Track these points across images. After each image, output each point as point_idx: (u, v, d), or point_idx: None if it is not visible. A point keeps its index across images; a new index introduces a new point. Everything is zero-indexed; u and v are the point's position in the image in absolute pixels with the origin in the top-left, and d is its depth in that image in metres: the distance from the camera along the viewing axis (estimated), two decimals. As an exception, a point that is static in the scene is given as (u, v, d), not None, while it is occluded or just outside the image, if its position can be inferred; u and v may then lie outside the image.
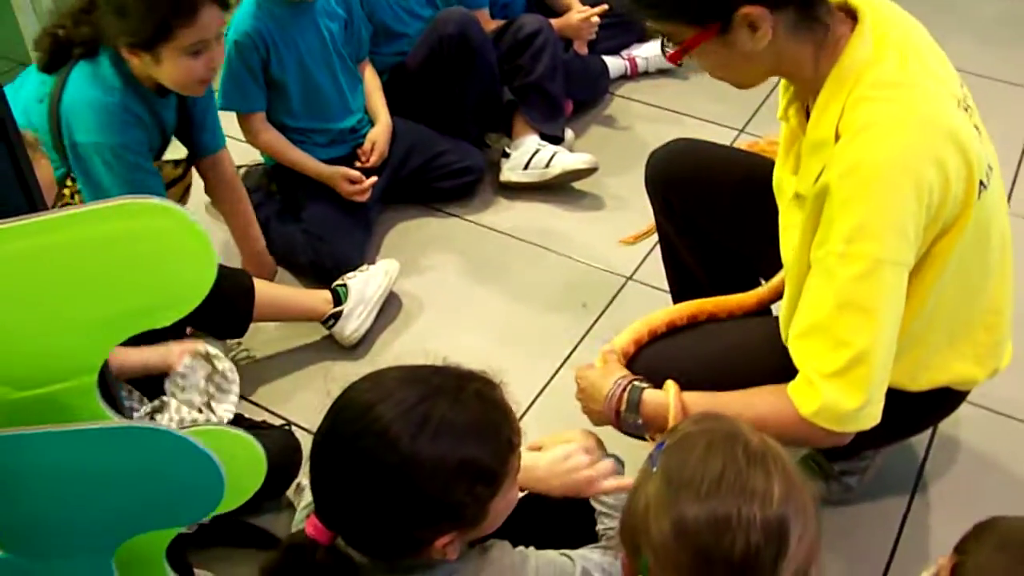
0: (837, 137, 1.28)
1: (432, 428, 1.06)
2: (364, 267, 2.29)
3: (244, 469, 1.10)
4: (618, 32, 3.09)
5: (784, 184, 1.47)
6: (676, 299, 1.97)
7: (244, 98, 2.33)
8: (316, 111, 2.44)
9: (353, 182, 2.42)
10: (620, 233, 2.55)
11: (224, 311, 2.00)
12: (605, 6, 2.84)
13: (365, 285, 2.22)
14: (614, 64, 3.10)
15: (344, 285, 2.21)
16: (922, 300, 1.35)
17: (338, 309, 2.18)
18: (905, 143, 1.24)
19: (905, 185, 1.23)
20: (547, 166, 2.62)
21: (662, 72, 3.18)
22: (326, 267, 2.35)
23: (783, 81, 1.48)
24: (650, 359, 1.56)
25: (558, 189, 2.67)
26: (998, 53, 3.24)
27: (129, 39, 1.86)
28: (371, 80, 2.58)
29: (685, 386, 1.43)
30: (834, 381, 1.30)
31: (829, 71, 1.31)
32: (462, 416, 1.09)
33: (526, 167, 2.64)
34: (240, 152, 2.50)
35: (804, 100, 1.43)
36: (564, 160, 2.63)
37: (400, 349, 2.22)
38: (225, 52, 2.23)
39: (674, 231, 1.90)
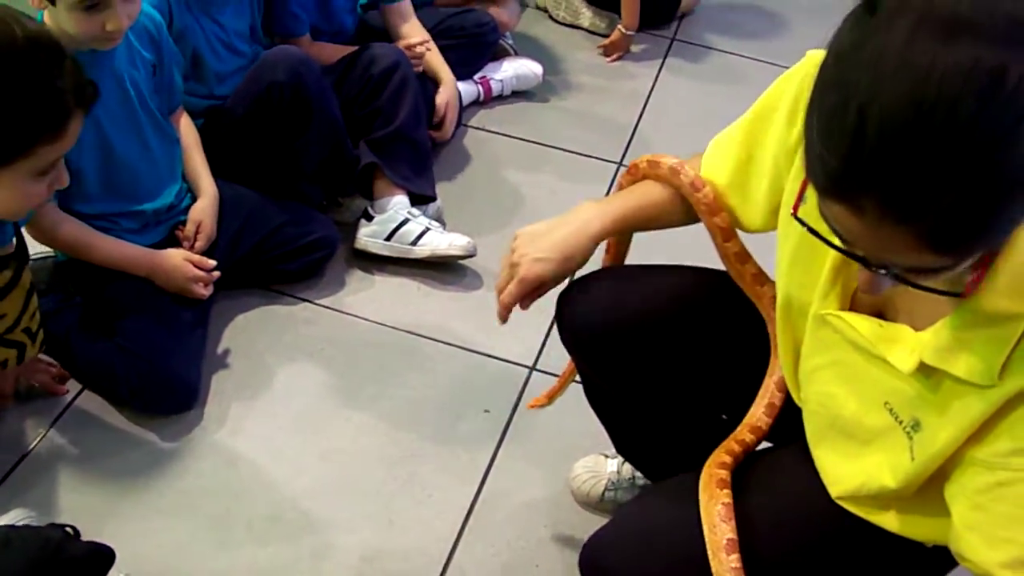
0: None
1: None
2: None
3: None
4: (468, 53, 2.63)
5: (852, 324, 1.09)
6: (616, 436, 1.58)
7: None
8: (121, 190, 1.88)
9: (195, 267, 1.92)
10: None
11: None
12: (427, 38, 2.40)
13: None
14: (466, 90, 2.64)
15: None
16: None
17: None
18: None
19: None
20: (414, 243, 2.16)
21: (518, 94, 2.75)
22: (154, 393, 1.82)
23: None
24: None
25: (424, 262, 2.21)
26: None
27: None
28: (189, 136, 2.03)
29: None
30: None
31: None
32: None
33: (389, 237, 2.16)
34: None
35: None
36: (435, 243, 2.16)
37: (273, 495, 1.72)
38: None
39: (602, 385, 1.49)
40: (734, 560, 1.16)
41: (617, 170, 2.53)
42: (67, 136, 1.34)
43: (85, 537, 1.39)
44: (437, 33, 2.52)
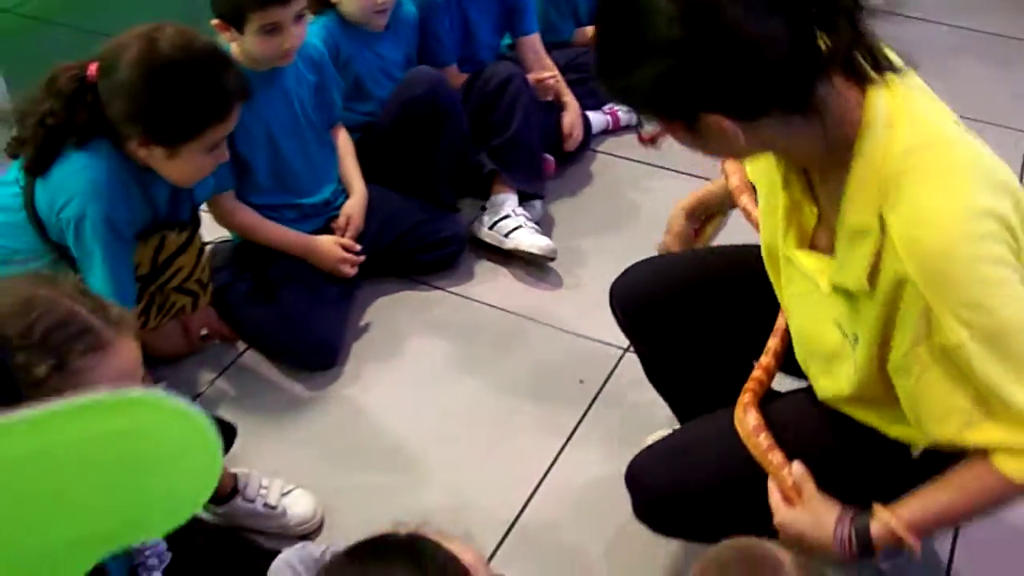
0: (882, 223, 1.15)
1: None
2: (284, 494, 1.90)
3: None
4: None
5: (804, 261, 1.33)
6: (674, 405, 1.86)
7: (213, 177, 2.17)
8: (286, 185, 2.29)
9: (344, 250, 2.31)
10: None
11: None
12: (555, 72, 2.74)
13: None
14: (596, 119, 2.97)
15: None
16: None
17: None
18: (965, 206, 1.14)
19: (988, 242, 1.14)
20: (506, 236, 2.49)
21: (642, 125, 3.05)
22: (303, 352, 2.20)
23: None
24: None
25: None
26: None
27: (148, 135, 1.76)
28: (345, 146, 2.43)
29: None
30: None
31: (843, 144, 1.18)
32: None
33: (492, 227, 2.52)
34: (205, 228, 2.33)
35: (804, 168, 1.30)
36: (520, 239, 2.48)
37: (388, 439, 2.07)
38: None
39: (655, 355, 1.80)
40: (764, 438, 1.41)
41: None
42: (230, 120, 1.77)
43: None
44: (570, 68, 2.86)
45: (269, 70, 2.17)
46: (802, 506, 1.35)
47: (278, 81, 2.20)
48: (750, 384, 1.51)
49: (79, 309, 1.24)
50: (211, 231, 2.36)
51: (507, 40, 2.89)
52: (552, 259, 2.49)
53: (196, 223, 2.05)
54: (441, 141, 2.45)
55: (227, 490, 1.83)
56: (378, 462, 2.03)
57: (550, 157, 2.78)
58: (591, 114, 2.95)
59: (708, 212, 1.79)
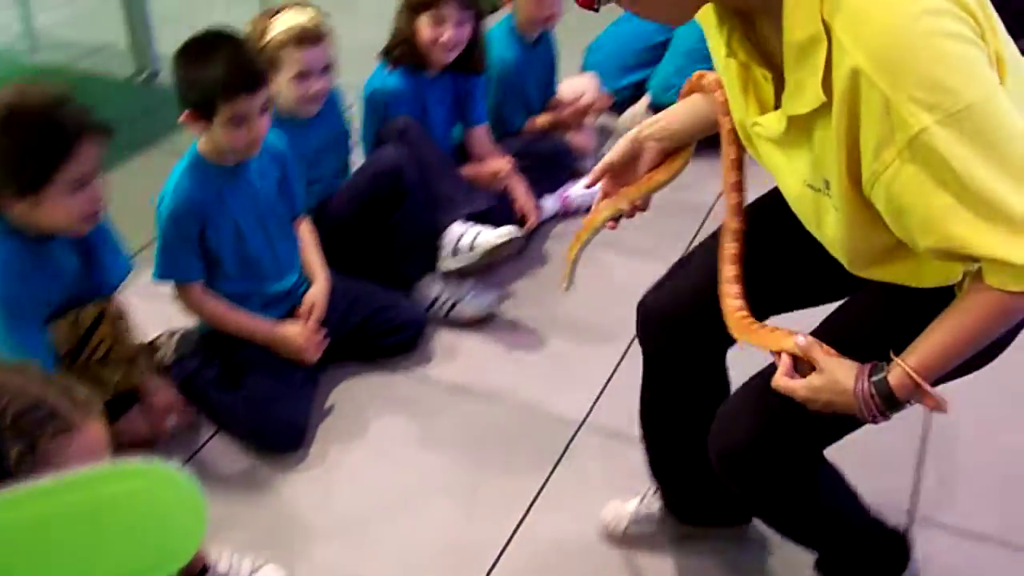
0: (827, 28, 1.14)
1: None
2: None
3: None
4: (551, 172, 3.12)
5: (764, 122, 1.33)
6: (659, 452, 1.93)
7: (183, 268, 2.29)
8: (251, 274, 2.39)
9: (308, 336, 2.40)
10: (573, 378, 2.51)
11: None
12: (508, 162, 2.89)
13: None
14: (548, 204, 3.11)
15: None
16: None
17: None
18: None
19: (944, 18, 1.11)
20: (471, 248, 2.64)
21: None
22: (270, 434, 2.28)
23: (712, 17, 1.34)
24: None
25: (508, 333, 2.67)
26: None
27: (8, 189, 1.86)
28: (307, 236, 2.54)
29: None
30: None
31: None
32: None
33: (455, 254, 2.65)
34: (164, 317, 2.45)
35: (744, 29, 1.30)
36: (487, 239, 2.65)
37: (356, 514, 2.14)
38: (159, 223, 2.24)
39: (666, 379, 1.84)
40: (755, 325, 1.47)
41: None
42: (81, 157, 1.87)
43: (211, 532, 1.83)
44: (521, 155, 3.02)
45: (235, 165, 2.28)
46: (819, 375, 1.34)
47: (244, 175, 2.32)
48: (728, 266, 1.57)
49: (47, 394, 1.30)
50: (170, 320, 2.46)
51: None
52: (519, 239, 2.68)
53: (109, 298, 2.14)
54: (401, 221, 2.61)
55: (198, 568, 1.89)
56: (345, 538, 2.10)
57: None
58: (544, 199, 3.08)
59: (673, 142, 1.67)
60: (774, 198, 1.54)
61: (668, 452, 1.93)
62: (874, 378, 1.31)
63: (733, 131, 1.51)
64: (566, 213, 3.18)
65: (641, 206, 1.68)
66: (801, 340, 1.38)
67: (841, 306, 1.56)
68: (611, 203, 1.69)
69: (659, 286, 1.79)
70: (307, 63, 2.48)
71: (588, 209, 3.06)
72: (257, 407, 2.29)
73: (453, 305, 2.66)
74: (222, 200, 2.27)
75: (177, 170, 2.28)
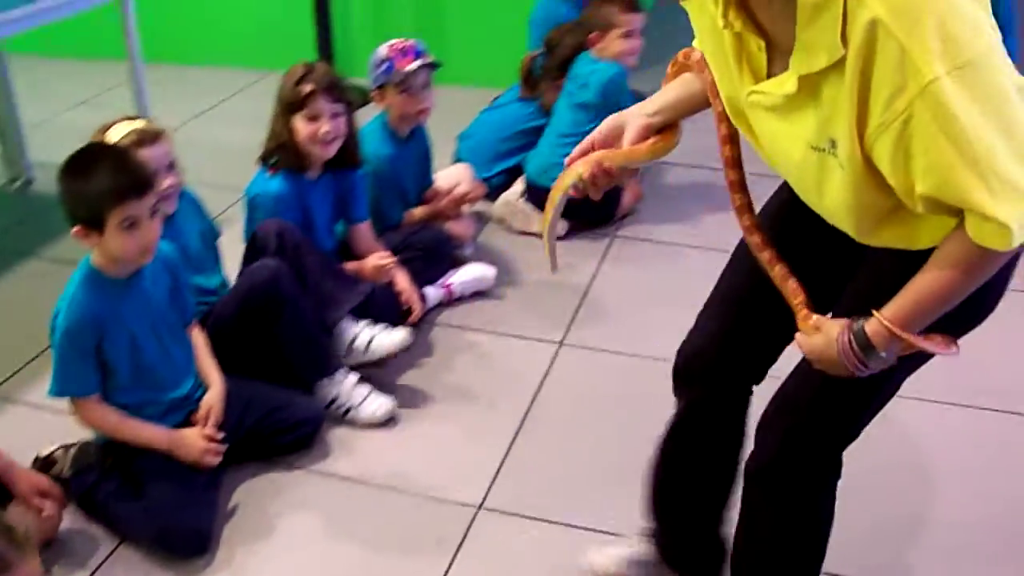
0: None
1: None
2: None
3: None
4: (432, 262, 3.23)
5: (767, 88, 1.40)
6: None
7: (80, 383, 2.32)
8: (147, 383, 2.42)
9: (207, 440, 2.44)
10: (468, 461, 2.60)
11: None
12: (391, 258, 2.99)
13: None
14: (432, 293, 3.22)
15: None
16: None
17: None
18: None
19: None
20: (366, 351, 2.77)
21: (477, 295, 3.33)
22: (175, 541, 2.30)
23: None
24: None
25: (403, 423, 2.75)
26: None
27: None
28: (200, 342, 2.59)
29: None
30: None
31: None
32: None
33: (349, 353, 2.77)
34: (62, 430, 2.47)
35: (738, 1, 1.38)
36: (381, 344, 2.78)
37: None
38: (54, 338, 2.28)
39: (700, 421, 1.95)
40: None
41: (557, 348, 3.06)
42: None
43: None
44: (402, 248, 3.13)
45: (128, 276, 2.33)
46: (818, 333, 1.49)
47: (138, 284, 2.36)
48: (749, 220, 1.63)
49: None
50: (67, 434, 2.47)
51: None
52: (411, 342, 2.83)
53: None
54: (285, 329, 2.67)
55: None
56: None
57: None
58: (427, 289, 3.19)
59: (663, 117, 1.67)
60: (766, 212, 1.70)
61: (681, 499, 2.03)
62: (854, 329, 1.43)
63: (723, 112, 1.57)
64: (450, 301, 3.29)
65: (612, 176, 1.62)
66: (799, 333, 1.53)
67: (851, 282, 1.64)
68: (573, 168, 1.63)
69: (690, 333, 1.89)
70: (150, 162, 2.52)
71: (472, 295, 3.25)
72: (160, 515, 2.31)
73: (348, 410, 2.73)
74: (118, 312, 2.31)
75: (71, 284, 2.31)
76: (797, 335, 1.55)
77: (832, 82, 1.29)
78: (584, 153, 1.64)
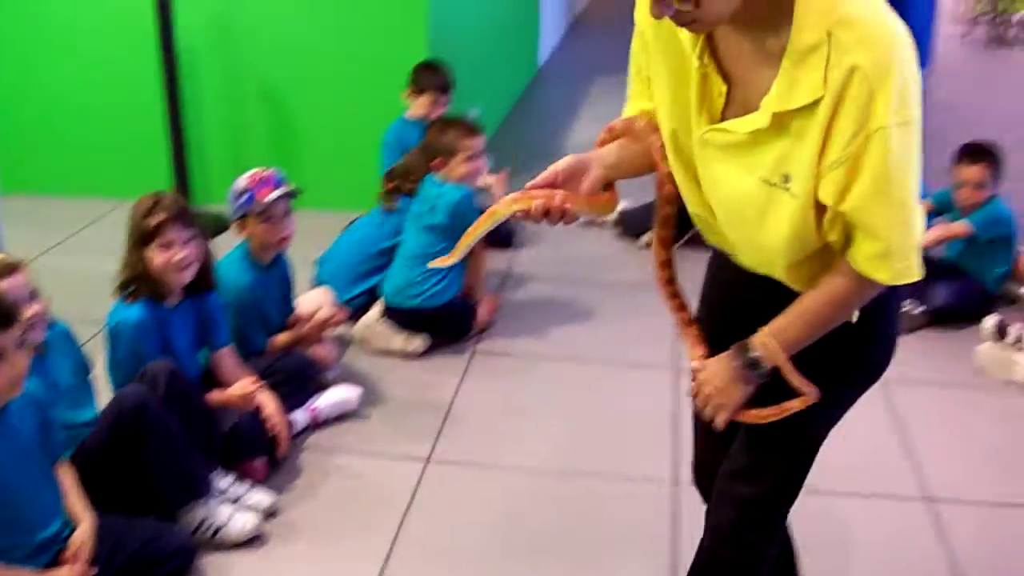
0: (829, 35, 1.40)
1: None
2: None
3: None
4: (298, 387, 3.30)
5: (732, 127, 1.53)
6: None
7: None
8: (14, 525, 2.39)
9: None
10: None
11: None
12: (256, 383, 3.04)
13: None
14: (298, 417, 3.27)
15: None
16: None
17: None
18: (898, 27, 1.43)
19: (910, 53, 1.43)
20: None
21: (343, 416, 3.40)
22: None
23: (683, 36, 1.54)
24: None
25: (277, 547, 2.77)
26: None
27: None
28: (68, 480, 2.57)
29: None
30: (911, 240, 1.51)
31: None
32: None
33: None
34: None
35: (710, 46, 1.53)
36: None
37: None
38: None
39: None
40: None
41: (424, 465, 3.14)
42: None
43: None
44: (268, 374, 3.18)
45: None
46: (711, 360, 1.72)
47: (6, 421, 2.36)
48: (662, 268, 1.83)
49: None
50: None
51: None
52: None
53: None
54: (153, 454, 2.69)
55: None
56: None
57: (260, 461, 3.03)
58: (294, 414, 3.25)
59: (608, 174, 1.74)
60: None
61: None
62: (740, 349, 1.65)
63: (669, 174, 1.73)
64: (316, 424, 3.34)
65: (566, 217, 1.65)
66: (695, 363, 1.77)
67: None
68: (525, 197, 1.64)
69: (693, 445, 2.10)
70: (10, 293, 2.50)
71: (338, 418, 3.32)
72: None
73: (217, 530, 2.75)
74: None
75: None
76: (692, 365, 1.77)
77: (802, 116, 1.46)
78: (549, 183, 1.66)
